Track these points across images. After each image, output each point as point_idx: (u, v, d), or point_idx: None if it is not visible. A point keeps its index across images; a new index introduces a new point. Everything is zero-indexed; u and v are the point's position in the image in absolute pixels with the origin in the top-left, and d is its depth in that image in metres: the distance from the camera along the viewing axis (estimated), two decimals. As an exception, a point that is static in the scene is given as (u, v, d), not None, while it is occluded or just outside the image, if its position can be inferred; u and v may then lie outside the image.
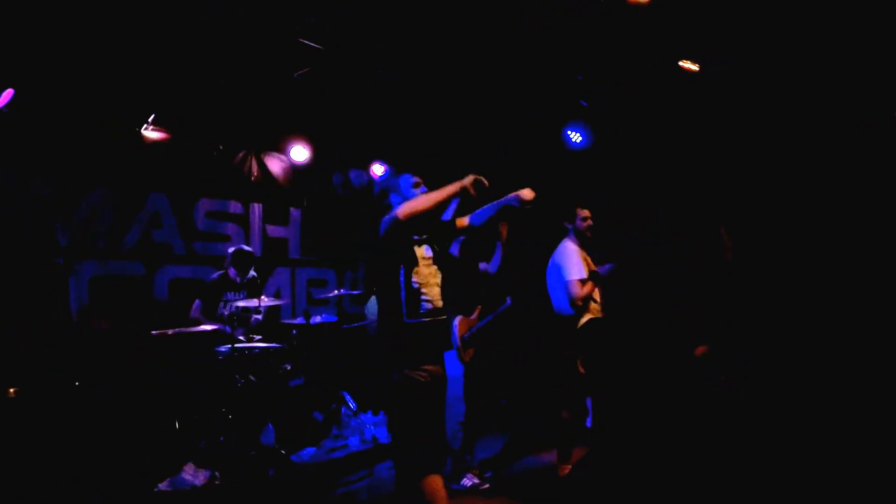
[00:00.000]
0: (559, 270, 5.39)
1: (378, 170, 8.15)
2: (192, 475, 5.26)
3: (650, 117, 7.53)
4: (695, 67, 6.52)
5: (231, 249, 6.36)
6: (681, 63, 6.49)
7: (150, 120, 6.56)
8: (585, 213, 5.50)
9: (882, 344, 5.58)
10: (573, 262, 5.34)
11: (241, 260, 6.33)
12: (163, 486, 5.11)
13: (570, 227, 5.51)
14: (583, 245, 5.48)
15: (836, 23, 5.79)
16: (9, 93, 5.47)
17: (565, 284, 5.29)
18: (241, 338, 5.96)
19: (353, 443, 6.12)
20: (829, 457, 4.66)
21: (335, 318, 6.59)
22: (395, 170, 8.23)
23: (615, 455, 5.26)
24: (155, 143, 6.69)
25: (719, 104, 7.08)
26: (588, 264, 5.38)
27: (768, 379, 5.65)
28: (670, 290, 6.82)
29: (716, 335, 5.95)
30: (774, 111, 6.87)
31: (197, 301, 6.25)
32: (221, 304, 6.25)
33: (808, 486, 4.41)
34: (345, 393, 6.49)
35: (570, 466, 5.39)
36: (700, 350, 5.88)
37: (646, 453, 5.17)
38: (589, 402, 5.57)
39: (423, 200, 3.72)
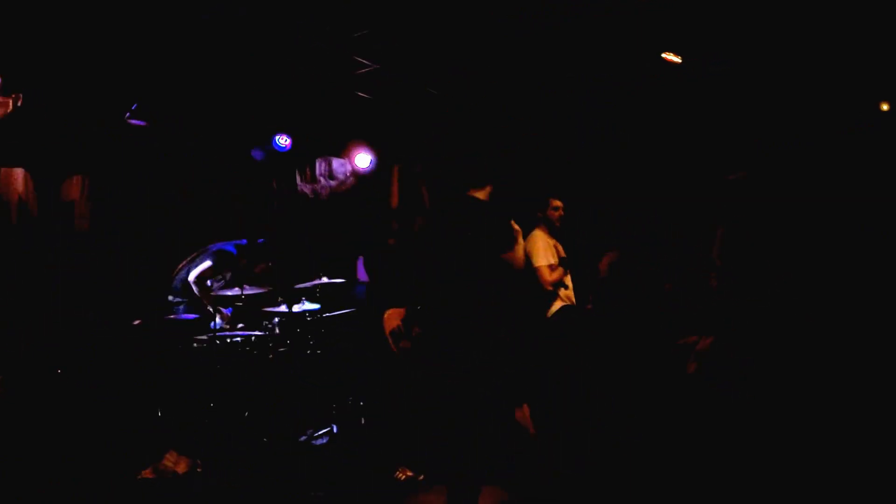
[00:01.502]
0: (527, 258, 5.50)
1: (361, 159, 8.17)
2: (174, 462, 5.30)
3: (635, 109, 7.56)
4: (677, 60, 6.55)
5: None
6: (664, 55, 6.51)
7: (132, 109, 6.56)
8: (557, 202, 5.65)
9: (882, 343, 5.62)
10: (541, 249, 5.47)
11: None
12: (145, 473, 5.15)
13: (541, 216, 5.65)
14: (553, 234, 5.62)
15: (830, 15, 5.82)
16: None
17: (534, 271, 5.41)
18: (226, 326, 6.01)
19: (337, 430, 6.17)
20: (827, 456, 4.70)
21: (318, 307, 6.63)
22: (379, 159, 8.27)
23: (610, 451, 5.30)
24: (137, 132, 6.69)
25: (708, 96, 7.12)
26: (558, 251, 5.53)
27: (767, 378, 5.69)
28: (665, 286, 6.86)
29: (708, 332, 6.01)
30: (765, 105, 6.89)
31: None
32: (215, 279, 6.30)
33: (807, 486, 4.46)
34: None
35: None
36: (687, 340, 5.95)
37: (639, 450, 5.22)
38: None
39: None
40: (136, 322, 5.74)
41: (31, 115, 5.86)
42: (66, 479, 4.86)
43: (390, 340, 5.05)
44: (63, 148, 6.25)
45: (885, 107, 6.71)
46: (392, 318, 5.14)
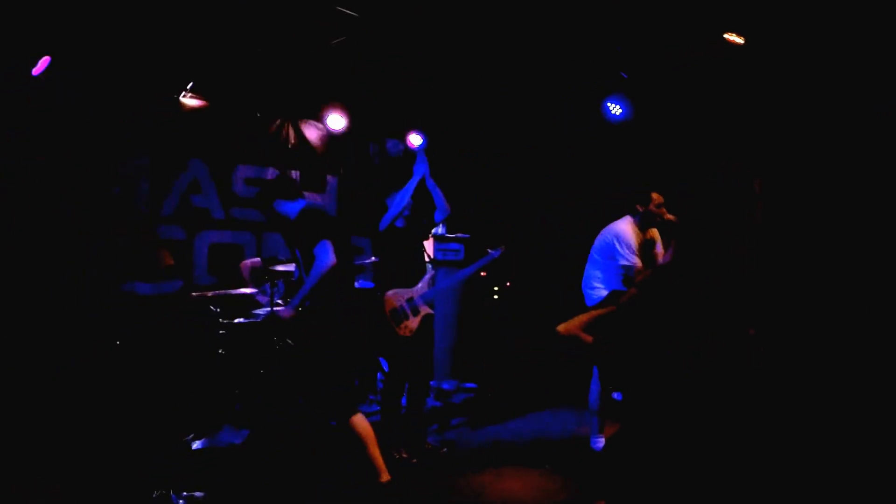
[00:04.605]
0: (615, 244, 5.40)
1: (415, 139, 8.13)
2: (230, 435, 5.34)
3: (693, 91, 7.39)
4: (740, 41, 6.37)
5: None
6: (726, 36, 6.34)
7: (188, 87, 6.61)
8: (660, 198, 5.46)
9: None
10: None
11: None
12: (199, 444, 5.19)
13: (641, 210, 5.46)
14: (643, 229, 5.48)
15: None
16: (45, 60, 5.50)
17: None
18: (278, 301, 6.02)
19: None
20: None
21: (371, 285, 6.62)
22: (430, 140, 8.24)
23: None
24: (193, 110, 6.74)
25: (767, 78, 6.92)
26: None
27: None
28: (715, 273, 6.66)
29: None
30: (826, 85, 6.66)
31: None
32: None
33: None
34: (381, 359, 6.53)
35: (603, 439, 5.40)
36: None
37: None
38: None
39: None
40: (195, 294, 5.77)
41: (79, 90, 5.94)
42: (122, 451, 4.91)
43: (391, 320, 5.14)
44: (122, 127, 6.30)
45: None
46: (393, 298, 5.24)
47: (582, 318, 3.87)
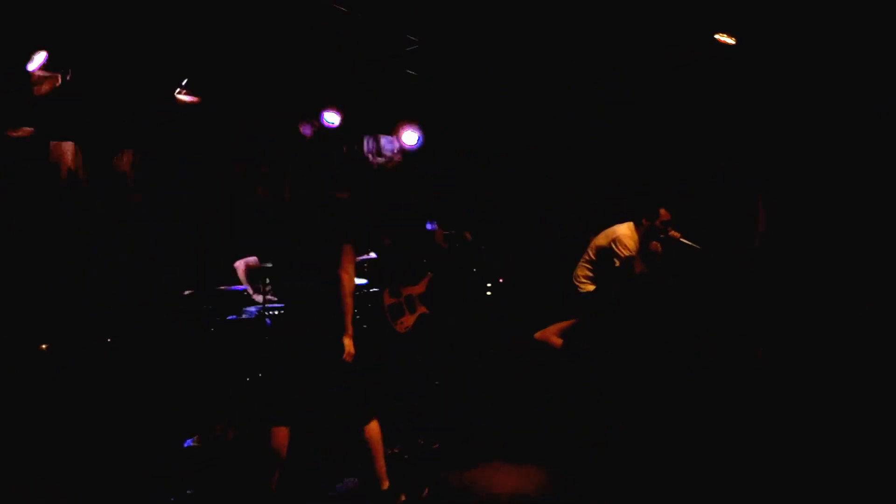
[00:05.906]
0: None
1: (409, 137, 8.17)
2: (222, 433, 5.40)
3: (686, 90, 7.43)
4: (731, 41, 6.42)
5: None
6: (717, 36, 6.38)
7: (183, 84, 6.62)
8: (668, 215, 5.55)
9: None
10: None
11: None
12: (190, 442, 5.26)
13: (646, 223, 5.54)
14: (643, 241, 5.56)
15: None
16: (42, 55, 5.52)
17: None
18: (271, 297, 6.09)
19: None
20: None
21: (365, 282, 6.68)
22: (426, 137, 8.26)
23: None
24: (187, 107, 6.75)
25: (759, 77, 6.97)
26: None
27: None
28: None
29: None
30: (818, 85, 6.70)
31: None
32: None
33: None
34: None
35: None
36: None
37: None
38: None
39: None
40: (187, 292, 5.83)
41: (82, 90, 5.96)
42: (114, 449, 4.97)
43: (388, 316, 5.20)
44: (114, 122, 6.32)
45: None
46: (391, 295, 5.28)
47: (560, 324, 4.01)
